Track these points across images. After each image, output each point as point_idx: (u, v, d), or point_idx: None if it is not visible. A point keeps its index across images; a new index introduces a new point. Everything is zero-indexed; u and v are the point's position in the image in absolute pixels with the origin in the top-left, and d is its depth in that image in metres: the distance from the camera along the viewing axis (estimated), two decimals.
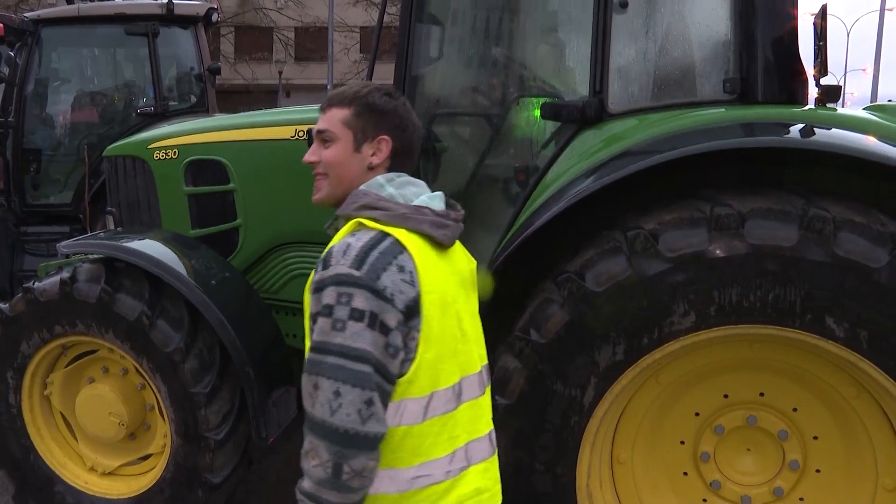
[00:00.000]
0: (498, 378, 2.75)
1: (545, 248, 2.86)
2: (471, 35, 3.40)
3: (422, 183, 1.87)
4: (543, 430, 2.73)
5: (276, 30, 30.58)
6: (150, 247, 3.72)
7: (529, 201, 2.96)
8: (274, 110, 4.51)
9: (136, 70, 7.54)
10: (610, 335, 2.62)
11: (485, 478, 1.85)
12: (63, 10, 7.55)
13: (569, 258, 2.75)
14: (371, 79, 3.46)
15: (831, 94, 2.88)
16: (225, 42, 29.46)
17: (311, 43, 31.67)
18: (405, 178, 1.85)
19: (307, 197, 3.78)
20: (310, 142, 3.50)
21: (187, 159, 4.10)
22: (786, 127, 2.75)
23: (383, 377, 1.65)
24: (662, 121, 2.84)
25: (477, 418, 1.86)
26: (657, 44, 3.01)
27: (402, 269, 1.67)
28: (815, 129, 2.66)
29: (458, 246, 1.90)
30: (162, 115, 6.89)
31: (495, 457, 1.91)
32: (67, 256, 3.94)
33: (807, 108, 2.92)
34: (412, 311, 1.68)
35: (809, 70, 2.93)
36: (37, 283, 3.69)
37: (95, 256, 3.73)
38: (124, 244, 3.70)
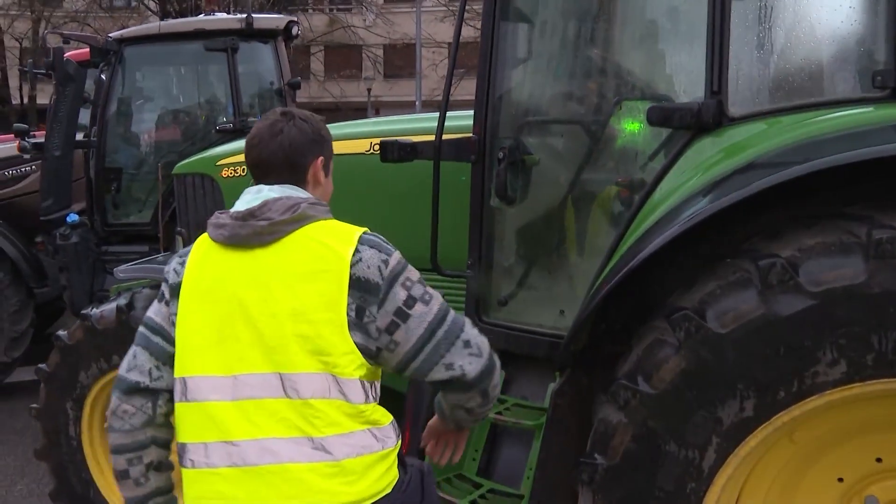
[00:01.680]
0: (598, 434, 2.31)
1: (652, 277, 2.42)
2: (564, 31, 2.99)
3: (256, 189, 2.06)
4: (653, 497, 2.27)
5: (365, 47, 30.83)
6: None
7: (636, 222, 2.52)
8: (347, 123, 4.22)
9: (216, 86, 7.44)
10: (737, 387, 2.14)
11: (241, 487, 1.92)
12: (145, 28, 7.49)
13: (684, 291, 2.30)
14: (449, 95, 3.08)
15: None
16: (315, 60, 29.91)
17: (400, 60, 31.80)
18: (251, 188, 2.08)
19: (385, 213, 3.59)
20: (383, 154, 3.23)
21: None
22: None
23: (163, 338, 2.03)
24: (796, 125, 2.35)
25: (252, 421, 1.91)
26: (786, 33, 2.52)
27: (182, 261, 2.06)
28: None
29: (290, 245, 1.96)
30: (241, 131, 6.72)
31: (300, 467, 1.90)
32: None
33: None
34: (174, 293, 2.02)
35: None
36: (94, 310, 3.49)
37: (155, 282, 3.50)
38: None
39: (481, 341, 2.01)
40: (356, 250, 1.93)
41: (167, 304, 2.03)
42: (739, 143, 2.41)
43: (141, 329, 2.07)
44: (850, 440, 2.34)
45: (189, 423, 1.97)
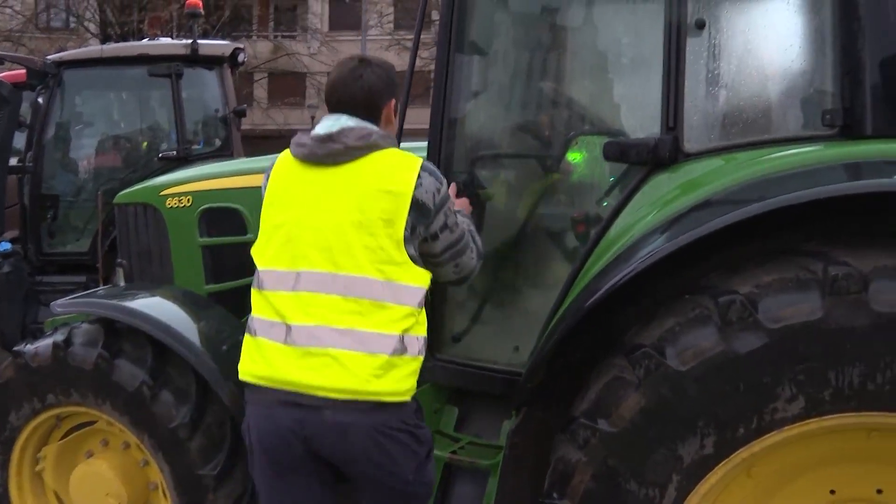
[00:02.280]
0: (557, 473, 2.27)
1: (609, 313, 2.40)
2: (518, 65, 2.99)
3: (335, 116, 2.41)
4: None
5: (309, 75, 30.72)
6: (155, 307, 3.35)
7: (592, 258, 2.50)
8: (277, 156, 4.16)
9: (159, 113, 7.27)
10: (697, 424, 2.13)
11: (287, 360, 2.30)
12: (86, 51, 7.32)
13: (642, 327, 2.28)
14: (403, 124, 3.07)
15: None
16: (258, 87, 29.68)
17: None
18: (330, 115, 2.43)
19: None
20: None
21: (202, 207, 3.77)
22: None
23: None
24: (751, 162, 2.37)
25: (306, 310, 2.30)
26: (739, 71, 2.55)
27: (267, 174, 2.50)
28: None
29: (360, 167, 2.33)
30: (184, 159, 6.60)
31: (340, 353, 2.27)
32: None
33: None
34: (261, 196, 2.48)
35: None
36: (28, 346, 3.32)
37: (95, 317, 3.35)
38: (126, 304, 3.32)
39: (479, 241, 2.56)
40: (418, 176, 2.32)
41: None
42: (695, 179, 2.42)
43: None
44: (806, 474, 2.34)
45: (258, 305, 2.40)
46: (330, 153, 2.33)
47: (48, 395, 3.26)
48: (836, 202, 2.11)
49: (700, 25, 2.49)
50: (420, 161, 2.36)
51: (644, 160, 2.49)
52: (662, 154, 2.46)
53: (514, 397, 2.60)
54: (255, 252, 2.43)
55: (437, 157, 2.90)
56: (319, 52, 30.15)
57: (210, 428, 3.12)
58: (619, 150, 2.51)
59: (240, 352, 3.25)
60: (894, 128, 2.42)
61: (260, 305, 2.40)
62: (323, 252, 2.30)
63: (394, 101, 2.49)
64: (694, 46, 2.50)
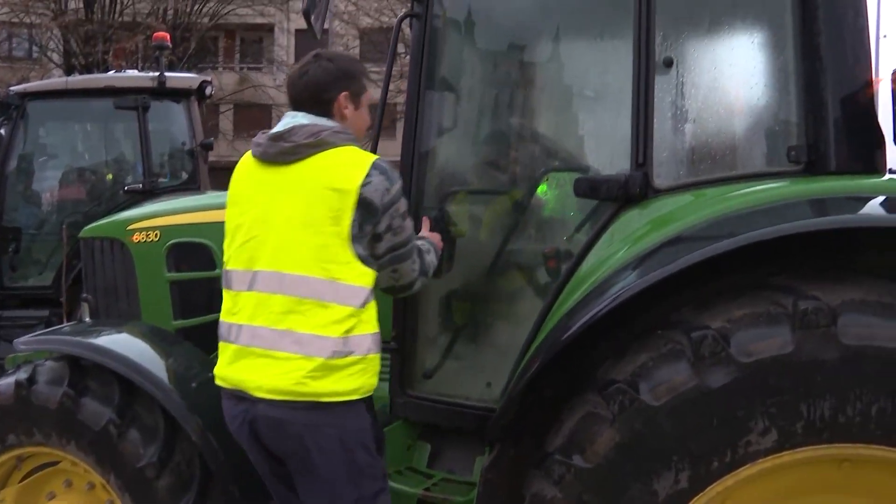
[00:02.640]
0: None
1: (581, 348, 2.41)
2: (488, 102, 3.02)
3: (291, 114, 2.47)
4: None
5: (275, 106, 30.64)
6: (122, 343, 3.28)
7: (564, 294, 2.52)
8: None
9: (125, 145, 7.23)
10: (672, 459, 2.13)
11: (249, 364, 2.40)
12: (51, 83, 7.28)
13: (614, 362, 2.29)
14: (381, 122, 3.12)
15: None
16: (224, 119, 29.53)
17: None
18: (288, 113, 2.48)
19: None
20: None
21: (170, 242, 3.72)
22: (867, 201, 2.33)
23: None
24: (719, 198, 2.41)
25: (255, 310, 2.39)
26: (708, 107, 2.61)
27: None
28: None
29: (310, 165, 2.36)
30: (151, 192, 6.55)
31: (277, 354, 2.35)
32: None
33: (890, 177, 2.51)
34: None
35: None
36: None
37: (60, 354, 3.28)
38: (92, 340, 3.24)
39: (429, 261, 2.56)
40: (367, 174, 2.33)
41: None
42: (666, 215, 2.45)
43: None
44: None
45: (224, 305, 2.49)
46: (280, 152, 2.38)
47: (9, 436, 3.16)
48: (802, 238, 2.15)
49: (668, 63, 2.54)
50: (372, 159, 2.37)
51: (614, 196, 2.51)
52: (633, 190, 2.50)
53: (487, 433, 2.59)
54: (224, 253, 2.54)
55: (408, 192, 2.90)
56: (285, 84, 30.15)
57: (179, 466, 3.04)
58: (590, 187, 2.54)
59: (209, 388, 3.23)
60: (857, 163, 2.49)
61: (224, 305, 2.51)
62: (274, 252, 2.36)
63: (345, 94, 2.48)
64: (662, 84, 2.55)
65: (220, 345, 2.51)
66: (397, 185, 2.40)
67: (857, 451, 2.09)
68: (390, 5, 24.73)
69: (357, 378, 2.37)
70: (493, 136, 3.09)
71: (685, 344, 2.14)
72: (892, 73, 2.72)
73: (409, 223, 2.48)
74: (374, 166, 2.35)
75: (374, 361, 2.43)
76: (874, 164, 2.49)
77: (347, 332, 2.33)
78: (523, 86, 2.99)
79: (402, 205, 2.44)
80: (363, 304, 2.37)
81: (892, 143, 2.65)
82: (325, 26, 3.01)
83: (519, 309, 2.85)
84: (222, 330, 2.51)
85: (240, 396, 2.44)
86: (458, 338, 3.03)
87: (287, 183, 2.37)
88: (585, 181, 2.56)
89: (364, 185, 2.31)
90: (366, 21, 24.73)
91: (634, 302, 2.24)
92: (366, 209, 2.32)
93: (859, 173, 2.46)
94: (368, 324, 2.41)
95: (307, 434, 2.36)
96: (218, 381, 2.53)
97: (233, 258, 2.48)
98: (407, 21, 2.97)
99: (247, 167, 2.51)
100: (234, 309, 2.46)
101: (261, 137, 2.46)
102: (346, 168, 2.34)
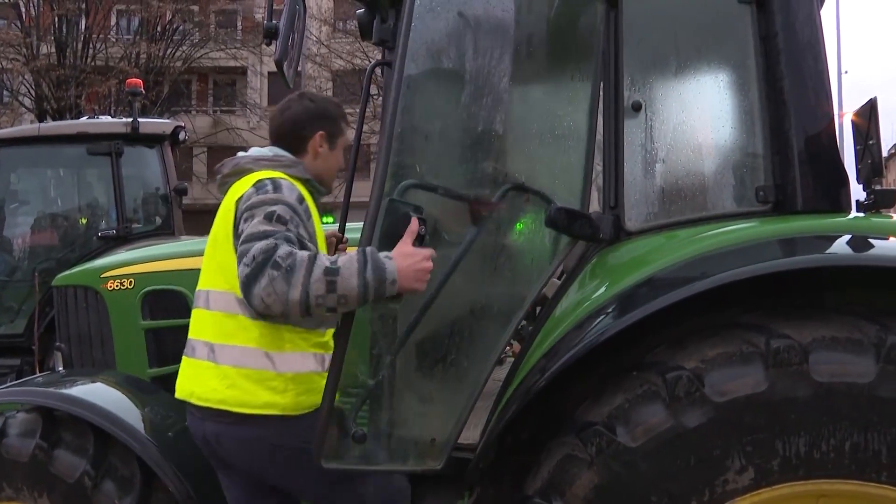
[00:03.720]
0: None
1: (557, 389, 2.41)
2: (462, 145, 3.04)
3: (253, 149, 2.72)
4: None
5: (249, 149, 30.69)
6: (97, 393, 3.26)
7: (540, 336, 2.53)
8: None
9: (98, 191, 7.20)
10: (650, 499, 2.14)
11: (185, 373, 2.64)
12: (23, 129, 7.26)
13: (591, 404, 2.30)
14: (350, 196, 3.12)
15: (885, 198, 2.53)
16: (197, 162, 29.47)
17: None
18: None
19: None
20: None
21: (144, 290, 3.72)
22: (834, 240, 2.38)
23: None
24: (691, 239, 2.45)
25: (195, 326, 2.64)
26: (678, 150, 2.66)
27: None
28: (871, 240, 2.31)
29: (235, 187, 2.56)
30: (124, 238, 6.51)
31: (201, 363, 2.56)
32: None
33: (856, 216, 2.57)
34: None
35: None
36: None
37: (32, 405, 3.23)
38: (65, 391, 3.21)
39: (258, 253, 2.26)
40: (248, 189, 2.44)
41: None
42: (638, 257, 2.48)
43: None
44: None
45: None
46: (219, 184, 2.66)
47: None
48: (772, 277, 2.19)
49: (636, 108, 2.60)
50: (262, 176, 2.50)
51: (587, 236, 2.55)
52: (606, 232, 2.53)
53: (466, 477, 2.58)
54: None
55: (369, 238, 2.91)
56: (259, 127, 30.19)
57: None
58: (566, 220, 2.53)
59: (186, 438, 3.19)
60: (823, 202, 2.54)
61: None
62: (203, 272, 2.63)
63: (321, 133, 2.66)
64: (631, 128, 2.60)
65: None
66: (265, 193, 2.40)
67: (833, 486, 2.11)
68: (363, 48, 24.99)
69: (273, 393, 2.44)
70: (464, 179, 3.11)
71: (660, 385, 2.15)
72: (853, 113, 2.79)
73: (263, 220, 2.34)
74: (257, 182, 2.46)
75: (297, 379, 2.48)
76: (839, 202, 2.55)
77: (265, 345, 2.45)
78: (493, 130, 3.02)
79: (263, 207, 2.36)
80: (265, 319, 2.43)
81: (855, 181, 2.72)
82: (298, 69, 3.03)
83: (490, 347, 2.77)
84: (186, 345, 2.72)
85: (189, 411, 2.64)
86: (425, 380, 2.97)
87: (220, 209, 2.58)
88: (563, 212, 2.54)
89: (240, 198, 2.46)
90: (338, 63, 24.94)
91: (609, 344, 2.26)
92: (238, 219, 2.45)
93: (826, 212, 2.52)
94: (295, 344, 2.48)
95: (242, 447, 2.52)
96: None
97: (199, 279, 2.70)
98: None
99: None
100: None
101: (226, 162, 2.72)
102: (239, 188, 2.52)
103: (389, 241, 2.20)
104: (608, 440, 2.16)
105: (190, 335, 2.65)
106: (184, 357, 2.68)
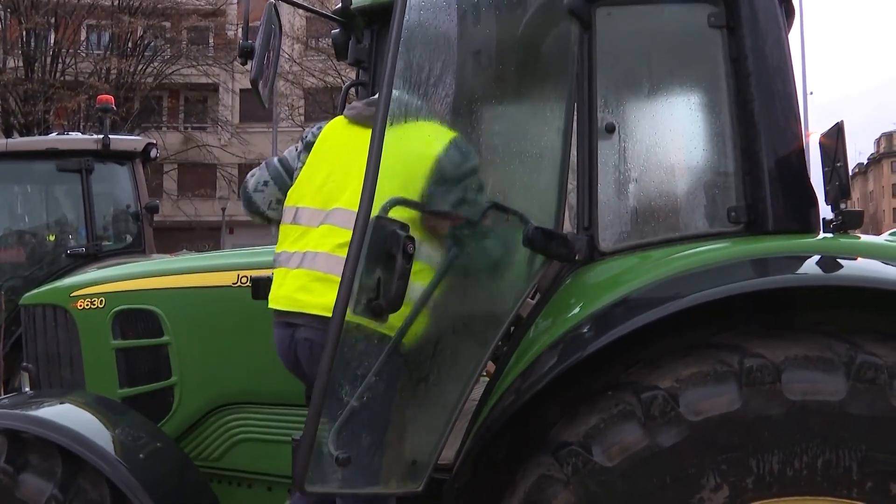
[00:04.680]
0: None
1: (532, 409, 2.42)
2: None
3: None
4: None
5: (220, 167, 30.54)
6: (65, 414, 3.19)
7: (514, 357, 2.53)
8: (213, 253, 4.12)
9: (68, 208, 7.10)
10: None
11: (294, 284, 2.74)
12: None
13: (566, 424, 2.31)
14: None
15: (853, 219, 2.58)
16: (168, 179, 29.28)
17: None
18: None
19: (251, 352, 3.42)
20: (254, 290, 3.14)
21: (115, 309, 3.67)
22: (804, 260, 2.42)
23: (290, 177, 2.98)
24: (664, 260, 2.48)
25: (326, 240, 2.69)
26: (651, 171, 2.69)
27: (320, 127, 2.98)
28: (839, 260, 2.35)
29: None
30: (94, 255, 6.43)
31: (333, 277, 2.49)
32: None
33: (825, 236, 2.61)
34: (307, 148, 2.93)
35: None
36: None
37: None
38: (32, 412, 3.14)
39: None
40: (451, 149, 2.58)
41: (300, 154, 2.94)
42: (613, 277, 2.50)
43: (276, 163, 3.04)
44: None
45: (286, 238, 2.81)
46: (370, 115, 2.65)
47: None
48: (744, 297, 2.22)
49: (610, 129, 2.63)
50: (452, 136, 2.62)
51: (563, 256, 2.56)
52: (580, 253, 2.55)
53: (443, 497, 2.57)
54: (295, 192, 2.90)
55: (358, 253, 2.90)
56: (230, 144, 30.10)
57: None
58: (543, 240, 2.55)
59: (158, 460, 3.15)
60: (793, 223, 2.59)
61: (285, 237, 2.87)
62: (353, 194, 2.58)
63: None
64: (605, 149, 2.63)
65: (277, 272, 2.82)
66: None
67: (806, 502, 2.13)
68: (335, 66, 25.07)
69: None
70: (445, 198, 3.11)
71: (635, 404, 2.17)
72: (821, 136, 2.85)
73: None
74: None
75: None
76: (809, 222, 2.59)
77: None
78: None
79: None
80: None
81: (823, 201, 2.76)
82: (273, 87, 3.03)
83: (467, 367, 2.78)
84: (281, 258, 2.80)
85: (287, 322, 2.73)
86: (399, 399, 2.95)
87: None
88: (541, 232, 2.54)
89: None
90: (310, 81, 24.97)
91: (584, 364, 2.27)
92: None
93: (796, 232, 2.56)
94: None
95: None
96: (271, 304, 2.80)
97: (306, 197, 2.79)
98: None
99: (334, 126, 2.87)
100: (299, 240, 2.75)
101: (355, 102, 2.86)
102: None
103: (376, 258, 2.19)
104: (584, 460, 2.16)
105: (299, 248, 2.73)
106: (285, 269, 2.76)
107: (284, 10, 2.92)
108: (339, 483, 2.43)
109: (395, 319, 2.39)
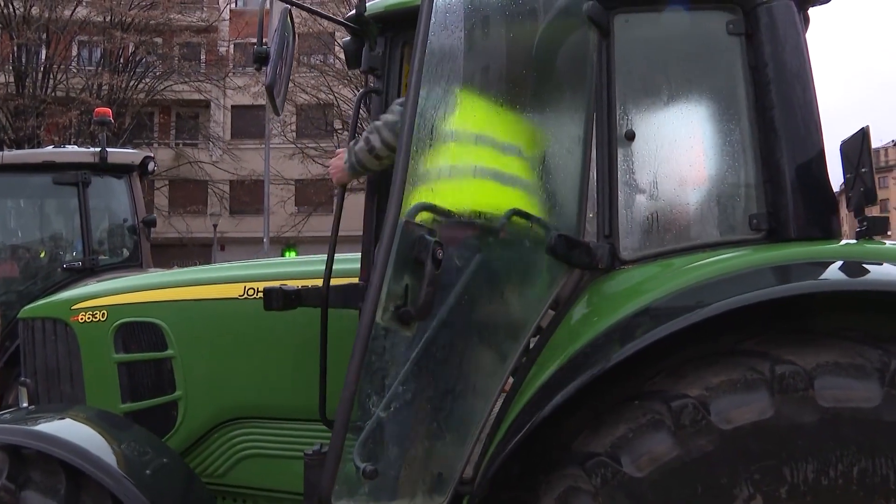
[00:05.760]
0: None
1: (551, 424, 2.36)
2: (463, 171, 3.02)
3: None
4: None
5: (211, 183, 30.43)
6: (67, 429, 3.11)
7: (535, 368, 2.47)
8: (218, 266, 4.06)
9: (64, 222, 7.03)
10: None
11: None
12: None
13: (590, 435, 2.26)
14: (336, 240, 3.06)
15: (878, 225, 2.55)
16: (159, 195, 29.16)
17: (247, 196, 31.44)
18: None
19: (257, 365, 3.34)
20: (266, 301, 3.07)
21: (118, 322, 3.60)
22: (830, 266, 2.38)
23: None
24: (686, 268, 2.44)
25: None
26: (671, 179, 2.66)
27: None
28: (865, 265, 2.33)
29: None
30: (91, 270, 6.35)
31: None
32: None
33: (849, 242, 2.58)
34: None
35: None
36: None
37: None
38: (34, 427, 3.07)
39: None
40: None
41: None
42: (635, 286, 2.46)
43: None
44: None
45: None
46: None
47: None
48: (768, 304, 2.18)
49: (630, 137, 2.59)
50: None
51: (585, 264, 2.52)
52: (601, 261, 2.51)
53: None
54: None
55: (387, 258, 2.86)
56: (222, 160, 30.00)
57: None
58: (566, 248, 2.51)
59: (165, 475, 3.08)
60: (814, 229, 2.56)
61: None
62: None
63: None
64: (625, 157, 2.60)
65: None
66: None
67: None
68: (327, 82, 25.06)
69: None
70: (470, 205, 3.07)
71: (665, 413, 2.12)
72: (841, 144, 2.82)
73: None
74: None
75: None
76: (830, 229, 2.57)
77: None
78: (481, 153, 3.00)
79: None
80: None
81: (846, 208, 2.73)
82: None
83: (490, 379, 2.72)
84: None
85: None
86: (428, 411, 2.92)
87: None
88: (564, 239, 2.51)
89: None
90: (303, 98, 24.92)
91: (607, 375, 2.22)
92: None
93: (818, 239, 2.53)
94: None
95: None
96: None
97: None
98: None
99: None
100: None
101: None
102: None
103: (404, 264, 2.13)
104: (613, 470, 2.12)
105: None
106: None
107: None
108: (366, 497, 2.35)
109: (422, 327, 2.33)
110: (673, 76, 2.72)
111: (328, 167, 2.94)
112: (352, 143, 2.86)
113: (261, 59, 2.53)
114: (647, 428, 2.14)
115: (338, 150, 2.97)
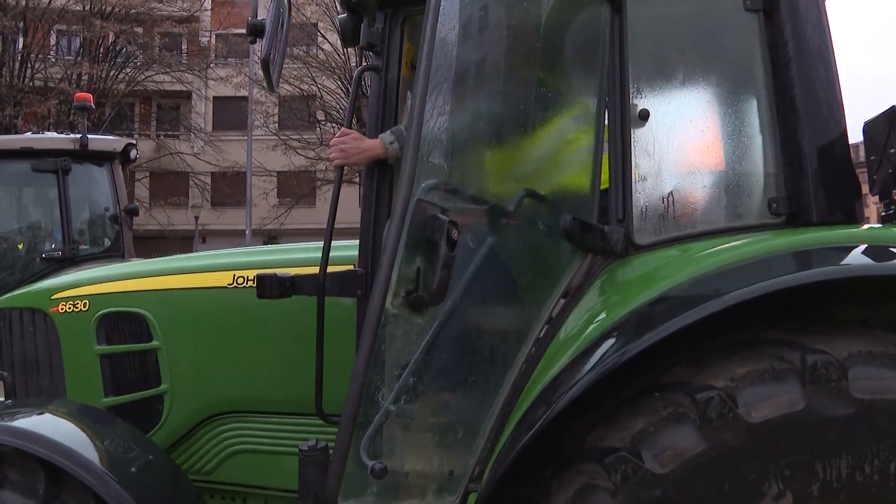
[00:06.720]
0: None
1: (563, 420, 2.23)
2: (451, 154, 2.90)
3: None
4: None
5: (193, 174, 30.14)
6: (47, 425, 2.97)
7: (545, 360, 2.35)
8: (206, 253, 3.91)
9: (44, 210, 6.84)
10: None
11: None
12: None
13: (605, 429, 2.13)
14: (333, 227, 2.92)
15: None
16: (140, 186, 28.84)
17: (229, 188, 31.19)
18: None
19: (248, 357, 3.21)
20: (259, 288, 2.93)
21: (100, 312, 3.46)
22: (853, 251, 2.27)
23: None
24: (704, 253, 2.32)
25: None
26: (686, 160, 2.54)
27: None
28: (893, 250, 2.22)
29: None
30: (71, 260, 6.18)
31: None
32: None
33: (873, 226, 2.47)
34: None
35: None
36: None
37: None
38: (11, 424, 2.91)
39: None
40: None
41: None
42: (650, 272, 2.35)
43: None
44: None
45: None
46: None
47: None
48: (793, 291, 2.07)
49: (644, 117, 2.47)
50: None
51: (600, 249, 2.40)
52: (618, 245, 2.39)
53: None
54: None
55: (370, 257, 2.74)
56: (203, 152, 29.73)
57: None
58: (581, 232, 2.39)
59: (150, 473, 2.94)
60: (836, 214, 2.45)
61: None
62: None
63: None
64: (639, 137, 2.47)
65: None
66: None
67: None
68: (310, 73, 24.87)
69: None
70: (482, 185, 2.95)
71: (689, 406, 2.00)
72: (864, 124, 2.72)
73: None
74: None
75: None
76: (853, 213, 2.46)
77: None
78: (486, 135, 2.88)
79: None
80: None
81: (869, 192, 2.63)
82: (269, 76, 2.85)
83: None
84: None
85: None
86: (432, 405, 2.79)
87: None
88: (578, 223, 2.39)
89: None
90: (286, 89, 24.70)
91: (624, 366, 2.10)
92: None
93: (840, 223, 2.42)
94: None
95: None
96: None
97: None
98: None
99: None
100: None
101: None
102: None
103: (415, 245, 1.99)
104: (634, 467, 1.99)
105: None
106: None
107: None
108: (374, 497, 2.22)
109: (432, 315, 2.19)
110: (688, 54, 2.59)
111: (330, 147, 2.77)
112: (401, 125, 2.74)
113: (256, 32, 2.39)
114: (670, 421, 2.02)
115: (344, 130, 2.81)
